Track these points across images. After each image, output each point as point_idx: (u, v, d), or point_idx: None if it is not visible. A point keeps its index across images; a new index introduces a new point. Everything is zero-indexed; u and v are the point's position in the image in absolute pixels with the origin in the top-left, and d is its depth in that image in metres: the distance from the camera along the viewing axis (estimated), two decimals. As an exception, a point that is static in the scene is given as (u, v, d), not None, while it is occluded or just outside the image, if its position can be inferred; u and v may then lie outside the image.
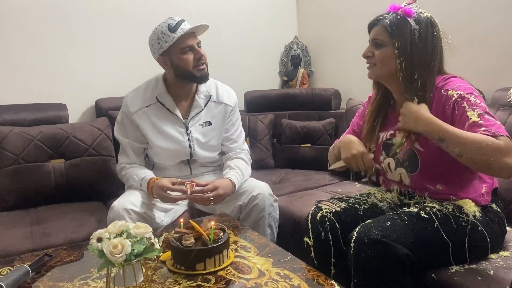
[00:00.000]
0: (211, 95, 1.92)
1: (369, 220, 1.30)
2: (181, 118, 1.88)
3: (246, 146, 2.06)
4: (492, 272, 1.21)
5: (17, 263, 1.35)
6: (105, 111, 2.43)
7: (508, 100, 1.73)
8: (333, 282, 1.15)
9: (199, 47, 1.81)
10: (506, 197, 1.56)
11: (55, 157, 2.15)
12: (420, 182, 1.40)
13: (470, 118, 1.22)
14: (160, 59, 1.82)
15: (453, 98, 1.28)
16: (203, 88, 1.91)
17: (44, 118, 2.27)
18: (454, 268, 1.24)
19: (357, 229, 1.27)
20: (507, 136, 1.17)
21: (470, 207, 1.30)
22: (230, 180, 1.79)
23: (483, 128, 1.18)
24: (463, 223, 1.26)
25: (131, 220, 1.63)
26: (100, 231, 1.08)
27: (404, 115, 1.31)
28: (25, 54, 2.40)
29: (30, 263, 1.29)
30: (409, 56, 1.33)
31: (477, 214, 1.29)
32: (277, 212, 1.89)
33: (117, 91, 2.58)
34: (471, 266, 1.25)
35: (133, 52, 2.65)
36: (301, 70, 3.14)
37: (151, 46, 1.82)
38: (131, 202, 1.70)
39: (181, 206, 1.89)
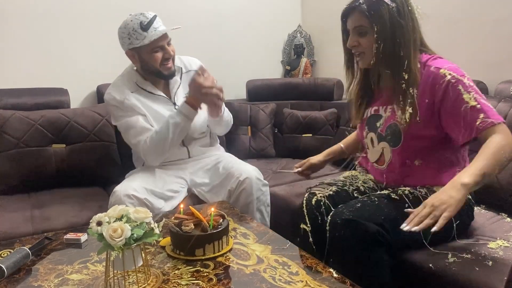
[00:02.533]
0: (181, 67, 1.95)
1: (341, 205, 1.36)
2: (164, 95, 1.89)
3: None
4: (490, 262, 1.21)
5: (17, 245, 1.36)
6: (106, 97, 2.43)
7: (511, 92, 1.72)
8: (331, 270, 1.15)
9: (169, 45, 1.82)
10: (508, 188, 1.56)
11: (56, 142, 2.15)
12: (401, 157, 1.41)
13: (468, 102, 1.24)
14: (129, 53, 1.83)
15: (446, 79, 1.29)
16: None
17: (45, 103, 2.27)
18: (452, 258, 1.25)
19: (330, 214, 1.33)
20: (502, 121, 1.22)
21: None
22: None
23: (482, 115, 1.22)
24: None
25: (132, 206, 1.62)
26: (100, 215, 1.08)
27: (442, 202, 1.16)
28: (27, 38, 2.39)
29: (30, 246, 1.30)
30: (391, 37, 1.32)
31: None
32: (268, 197, 1.89)
33: (119, 77, 2.58)
34: (469, 256, 1.25)
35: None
36: (304, 60, 3.13)
37: (121, 39, 1.81)
38: (133, 187, 1.71)
39: (181, 194, 1.90)
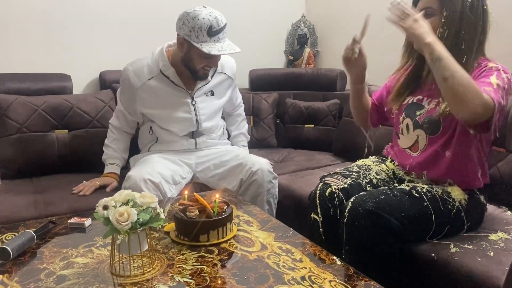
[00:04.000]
0: (216, 67, 1.91)
1: (363, 192, 1.36)
2: (186, 89, 1.88)
3: (240, 101, 2.22)
4: (492, 253, 1.22)
5: (21, 229, 1.36)
6: (109, 83, 2.43)
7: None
8: (334, 257, 1.16)
9: (219, 57, 1.80)
10: (510, 181, 1.57)
11: (59, 127, 2.15)
12: (435, 146, 1.40)
13: (489, 78, 1.24)
14: (180, 39, 1.76)
15: (488, 66, 1.30)
16: None
17: (48, 88, 2.26)
18: (454, 249, 1.26)
19: (351, 200, 1.33)
20: (497, 103, 1.19)
21: (458, 194, 1.36)
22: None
23: (490, 88, 1.21)
24: (449, 206, 1.33)
25: (147, 190, 1.66)
26: (106, 199, 1.09)
27: (417, 22, 1.25)
28: (30, 24, 2.38)
29: (34, 229, 1.30)
30: (458, 27, 1.31)
31: (463, 201, 1.35)
32: (276, 189, 1.91)
33: (122, 64, 2.52)
34: (471, 247, 1.26)
35: (139, 26, 2.63)
36: (307, 50, 3.12)
37: (181, 23, 1.72)
38: (148, 172, 1.72)
39: (187, 180, 1.91)
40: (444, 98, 1.27)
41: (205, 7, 1.72)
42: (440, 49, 1.22)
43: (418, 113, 1.44)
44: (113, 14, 2.57)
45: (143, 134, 2.01)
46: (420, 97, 1.46)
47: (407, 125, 1.48)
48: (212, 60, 1.78)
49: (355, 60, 1.46)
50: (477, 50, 1.34)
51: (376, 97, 1.67)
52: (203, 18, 1.68)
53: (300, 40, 3.13)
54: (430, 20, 1.32)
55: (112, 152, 1.99)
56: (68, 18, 2.46)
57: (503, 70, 1.29)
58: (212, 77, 1.92)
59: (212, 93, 1.95)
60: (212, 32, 1.69)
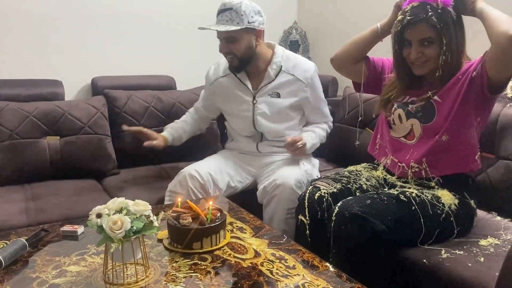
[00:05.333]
0: (281, 66, 1.89)
1: (350, 197, 1.39)
2: (250, 88, 1.90)
3: (330, 120, 2.08)
4: (482, 259, 1.24)
5: (13, 237, 1.35)
6: (101, 89, 2.41)
7: (505, 93, 1.75)
8: (327, 264, 1.17)
9: (229, 42, 1.80)
10: (499, 187, 1.59)
11: (51, 134, 2.14)
12: (432, 133, 1.44)
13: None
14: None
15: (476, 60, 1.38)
16: (277, 59, 1.89)
17: (39, 95, 2.25)
18: (445, 254, 1.27)
19: (338, 204, 1.35)
20: None
21: (448, 199, 1.38)
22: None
23: None
24: (438, 211, 1.35)
25: (193, 186, 1.78)
26: (99, 207, 1.09)
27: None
28: (22, 29, 2.36)
29: (26, 237, 1.29)
30: (457, 47, 1.38)
31: (453, 206, 1.38)
32: None
33: (114, 70, 2.57)
34: (462, 253, 1.28)
35: (131, 31, 2.63)
36: (299, 56, 3.14)
37: (249, 14, 1.79)
38: (196, 170, 1.81)
39: (243, 185, 1.95)
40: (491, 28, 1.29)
41: None
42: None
43: (410, 105, 1.48)
44: (105, 20, 2.57)
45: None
46: (415, 98, 1.50)
47: (399, 115, 1.50)
48: (220, 44, 1.82)
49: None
50: (463, 56, 1.43)
51: (376, 67, 1.67)
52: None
53: (292, 47, 3.15)
54: (430, 49, 1.38)
55: (174, 124, 2.09)
56: (60, 23, 2.45)
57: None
58: (277, 76, 1.88)
59: (278, 95, 1.88)
60: (217, 13, 1.79)
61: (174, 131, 2.05)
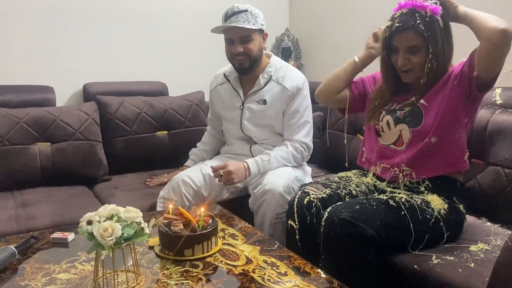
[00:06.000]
0: (271, 75, 1.91)
1: (339, 202, 1.39)
2: (241, 94, 1.95)
3: (300, 139, 1.90)
4: (472, 264, 1.25)
5: (2, 244, 1.34)
6: (93, 95, 2.41)
7: (494, 99, 1.77)
8: (319, 270, 1.17)
9: (244, 42, 1.82)
10: (489, 193, 1.60)
11: (41, 140, 2.12)
12: (421, 137, 1.45)
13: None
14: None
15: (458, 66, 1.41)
16: (270, 68, 1.92)
17: (30, 100, 2.24)
18: (436, 260, 1.28)
19: (328, 210, 1.36)
20: None
21: (438, 204, 1.39)
22: (245, 164, 1.81)
23: None
24: (427, 216, 1.36)
25: (186, 192, 1.80)
26: (90, 214, 1.08)
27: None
28: (13, 35, 2.35)
29: (16, 245, 1.28)
30: (443, 54, 1.40)
31: (442, 211, 1.38)
32: None
33: (106, 76, 2.57)
34: (452, 259, 1.29)
35: (123, 37, 2.63)
36: (291, 63, 3.14)
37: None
38: (188, 175, 1.84)
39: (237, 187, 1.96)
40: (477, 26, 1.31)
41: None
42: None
43: (398, 111, 1.49)
44: (97, 26, 2.57)
45: None
46: (402, 105, 1.51)
47: (387, 122, 1.52)
48: (233, 46, 1.84)
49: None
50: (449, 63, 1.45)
51: (357, 87, 1.69)
52: (226, 9, 1.83)
53: (284, 53, 3.16)
54: (416, 57, 1.40)
55: (196, 151, 2.14)
56: (52, 29, 2.44)
57: None
58: (266, 84, 1.91)
59: (264, 102, 1.90)
60: (226, 17, 1.81)
61: (196, 158, 2.11)
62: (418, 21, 1.36)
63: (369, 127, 1.61)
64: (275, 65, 1.93)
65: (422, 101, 1.46)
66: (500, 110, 1.68)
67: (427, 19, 1.36)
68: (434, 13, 1.37)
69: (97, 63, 2.58)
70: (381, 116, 1.54)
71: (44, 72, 2.44)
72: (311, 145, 1.96)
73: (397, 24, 1.39)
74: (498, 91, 1.77)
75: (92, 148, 2.19)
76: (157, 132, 2.39)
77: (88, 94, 2.45)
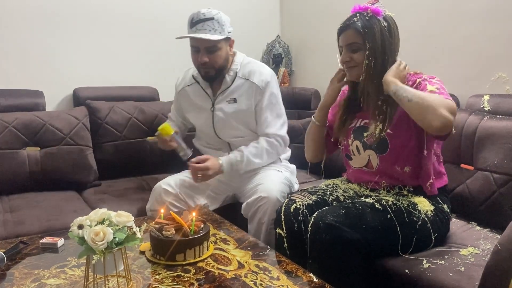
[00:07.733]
0: (237, 71, 1.89)
1: (326, 207, 1.40)
2: (210, 95, 1.92)
3: (275, 132, 1.89)
4: (463, 268, 1.26)
5: (-10, 250, 1.32)
6: (83, 100, 2.39)
7: (482, 106, 1.80)
8: (311, 274, 1.17)
9: (210, 52, 1.79)
10: (478, 198, 1.62)
11: (31, 144, 2.10)
12: (389, 164, 1.46)
13: (427, 89, 1.34)
14: None
15: (417, 81, 1.40)
16: (235, 66, 1.89)
17: (20, 105, 2.22)
18: (427, 264, 1.29)
19: (314, 215, 1.36)
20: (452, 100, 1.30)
21: (424, 206, 1.41)
22: (219, 161, 1.82)
23: (437, 95, 1.30)
24: (414, 218, 1.37)
25: (167, 198, 1.80)
26: (81, 218, 1.07)
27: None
28: (2, 39, 2.33)
29: (4, 250, 1.27)
30: (382, 54, 1.41)
31: (429, 212, 1.40)
32: None
33: (96, 81, 2.55)
34: (443, 263, 1.30)
35: (113, 42, 2.62)
36: (282, 69, 3.16)
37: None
38: (168, 183, 1.84)
39: (223, 197, 1.96)
40: (415, 118, 1.32)
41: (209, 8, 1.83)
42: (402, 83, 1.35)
43: (365, 134, 1.49)
44: (88, 31, 2.56)
45: None
46: (367, 120, 1.52)
47: (357, 147, 1.53)
48: (198, 54, 1.80)
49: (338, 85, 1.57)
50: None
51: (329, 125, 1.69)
52: (191, 14, 1.81)
53: (275, 60, 3.18)
54: (357, 54, 1.43)
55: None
56: (42, 33, 2.42)
57: (426, 77, 1.41)
58: (233, 82, 1.88)
59: (234, 100, 1.88)
60: (192, 23, 1.78)
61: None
62: (357, 20, 1.42)
63: (343, 149, 1.62)
64: (240, 62, 1.91)
65: (388, 130, 1.43)
66: (488, 117, 1.71)
67: (367, 18, 1.41)
68: (375, 13, 1.41)
69: (87, 68, 2.57)
70: (350, 140, 1.55)
71: (34, 76, 2.42)
72: (287, 137, 1.97)
73: (340, 25, 1.47)
74: (486, 97, 1.80)
75: (82, 153, 2.18)
76: (148, 138, 2.37)
77: (78, 98, 2.44)
